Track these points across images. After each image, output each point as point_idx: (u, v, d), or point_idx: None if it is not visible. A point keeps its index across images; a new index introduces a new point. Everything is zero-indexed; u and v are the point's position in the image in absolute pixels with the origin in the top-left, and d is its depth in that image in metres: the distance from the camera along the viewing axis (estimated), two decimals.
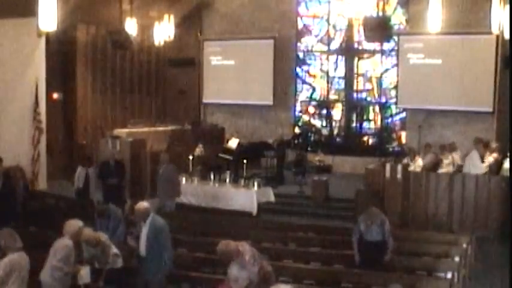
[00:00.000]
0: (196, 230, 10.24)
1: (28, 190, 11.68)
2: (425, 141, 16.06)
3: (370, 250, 8.17)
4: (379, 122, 18.92)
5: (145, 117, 18.93)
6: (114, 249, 7.48)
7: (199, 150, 16.11)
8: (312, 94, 19.75)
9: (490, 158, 13.06)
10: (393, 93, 18.37)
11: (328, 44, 19.32)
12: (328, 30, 19.28)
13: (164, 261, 7.24)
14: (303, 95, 19.81)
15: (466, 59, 16.66)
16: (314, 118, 19.76)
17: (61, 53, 17.03)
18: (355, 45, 18.98)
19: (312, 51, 19.60)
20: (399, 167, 12.45)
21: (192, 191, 13.15)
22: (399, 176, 12.29)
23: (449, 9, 14.36)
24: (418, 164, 13.10)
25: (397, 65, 18.01)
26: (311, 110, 19.82)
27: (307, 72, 19.75)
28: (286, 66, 19.35)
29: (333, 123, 19.49)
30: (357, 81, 19.04)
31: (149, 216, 7.34)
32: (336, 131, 19.50)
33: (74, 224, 6.84)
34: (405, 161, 13.49)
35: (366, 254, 8.20)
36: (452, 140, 14.89)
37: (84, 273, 6.89)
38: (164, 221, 7.51)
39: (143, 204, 7.44)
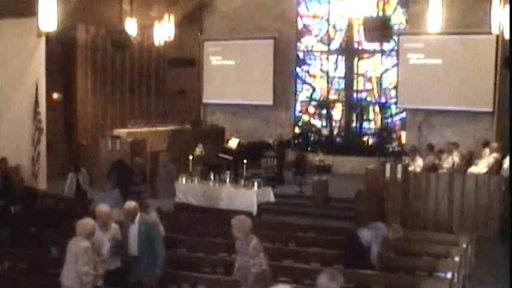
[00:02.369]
0: (196, 230, 10.24)
1: (32, 194, 11.68)
2: (425, 141, 16.08)
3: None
4: (379, 122, 18.93)
5: (146, 117, 18.91)
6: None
7: (199, 150, 16.10)
8: (312, 94, 19.75)
9: (490, 158, 13.07)
10: (393, 93, 18.38)
11: (328, 44, 19.33)
12: (328, 30, 19.29)
13: (156, 259, 7.24)
14: (303, 95, 19.82)
15: (466, 59, 16.66)
16: (314, 118, 19.76)
17: (61, 53, 17.01)
18: (355, 45, 18.99)
19: (312, 51, 19.60)
20: (399, 167, 12.43)
21: (192, 191, 13.13)
22: (399, 176, 12.27)
23: (449, 9, 14.36)
24: (418, 164, 13.10)
25: (397, 65, 18.02)
26: (311, 110, 19.82)
27: (307, 72, 19.75)
28: (286, 66, 19.35)
29: (333, 123, 19.49)
30: (357, 81, 19.05)
31: (137, 215, 7.33)
32: (336, 131, 19.50)
33: (88, 224, 6.79)
34: (405, 161, 13.49)
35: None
36: (455, 140, 14.89)
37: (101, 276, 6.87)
38: (153, 219, 7.50)
39: (131, 204, 7.41)
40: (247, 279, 6.69)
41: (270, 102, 19.46)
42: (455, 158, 13.48)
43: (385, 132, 18.88)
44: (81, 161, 15.15)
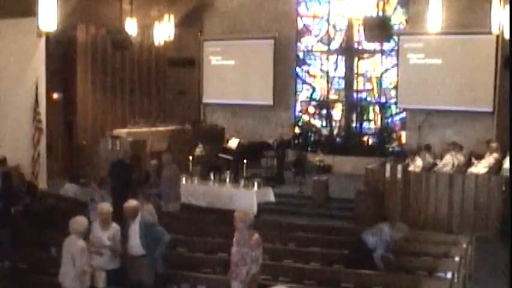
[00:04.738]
0: (196, 230, 10.23)
1: (32, 191, 11.66)
2: (426, 141, 16.08)
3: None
4: (379, 122, 18.92)
5: (145, 117, 18.90)
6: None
7: (199, 150, 16.10)
8: (312, 94, 19.75)
9: (490, 158, 13.07)
10: (393, 93, 18.37)
11: (328, 44, 19.32)
12: (328, 30, 19.28)
13: (157, 257, 7.29)
14: (303, 95, 19.81)
15: (466, 59, 16.66)
16: (314, 118, 19.76)
17: (61, 53, 17.01)
18: (355, 45, 18.98)
19: (312, 51, 19.60)
20: (399, 167, 12.45)
21: (192, 191, 13.11)
22: (399, 176, 12.29)
23: (449, 9, 14.34)
24: (418, 164, 13.10)
25: (397, 65, 18.01)
26: (311, 110, 19.82)
27: (307, 72, 19.74)
28: (286, 66, 19.35)
29: (333, 123, 19.49)
30: (357, 81, 19.04)
31: (138, 215, 7.33)
32: (336, 131, 19.49)
33: (81, 221, 6.78)
34: (406, 161, 13.48)
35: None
36: (455, 140, 14.89)
37: (101, 277, 6.85)
38: (153, 219, 7.54)
39: (132, 203, 7.41)
40: (240, 271, 6.69)
41: (270, 102, 19.45)
42: (455, 158, 13.46)
43: (385, 132, 18.88)
44: (81, 161, 15.17)
